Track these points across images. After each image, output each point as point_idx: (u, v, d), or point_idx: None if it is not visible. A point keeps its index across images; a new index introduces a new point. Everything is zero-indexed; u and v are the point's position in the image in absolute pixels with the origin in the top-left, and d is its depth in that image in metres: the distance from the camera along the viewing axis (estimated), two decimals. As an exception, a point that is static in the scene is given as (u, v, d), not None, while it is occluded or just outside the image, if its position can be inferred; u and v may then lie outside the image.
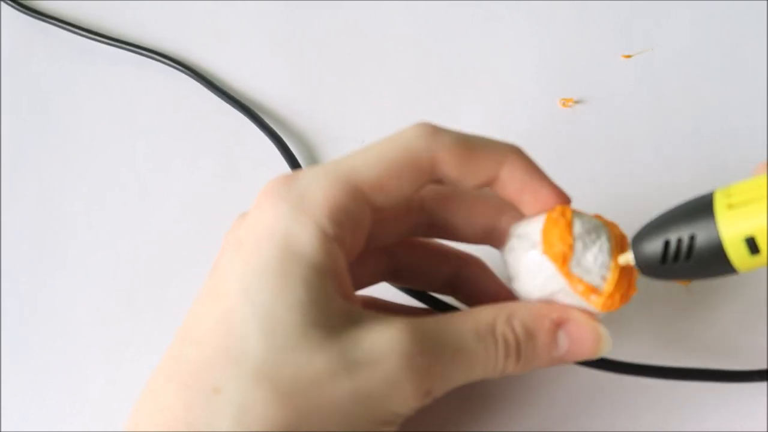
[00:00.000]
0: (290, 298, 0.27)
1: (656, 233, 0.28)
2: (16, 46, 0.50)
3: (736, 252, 0.27)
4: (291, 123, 0.46)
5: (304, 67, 0.48)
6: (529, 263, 0.30)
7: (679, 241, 0.28)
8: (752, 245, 0.26)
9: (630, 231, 0.39)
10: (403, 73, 0.47)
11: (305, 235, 0.27)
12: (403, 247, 0.34)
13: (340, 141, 0.45)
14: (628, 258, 0.29)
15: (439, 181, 0.30)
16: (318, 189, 0.28)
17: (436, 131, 0.29)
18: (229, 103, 0.46)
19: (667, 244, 0.28)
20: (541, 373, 0.35)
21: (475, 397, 0.34)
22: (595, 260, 0.29)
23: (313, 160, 0.44)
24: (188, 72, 0.48)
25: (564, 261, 0.29)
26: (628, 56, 0.46)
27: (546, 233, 0.29)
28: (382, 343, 0.27)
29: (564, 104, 0.45)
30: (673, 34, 0.47)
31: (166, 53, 0.48)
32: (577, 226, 0.29)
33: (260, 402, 0.26)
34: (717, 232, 0.27)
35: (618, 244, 0.30)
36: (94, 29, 0.50)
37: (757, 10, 0.47)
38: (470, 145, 0.30)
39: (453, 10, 0.49)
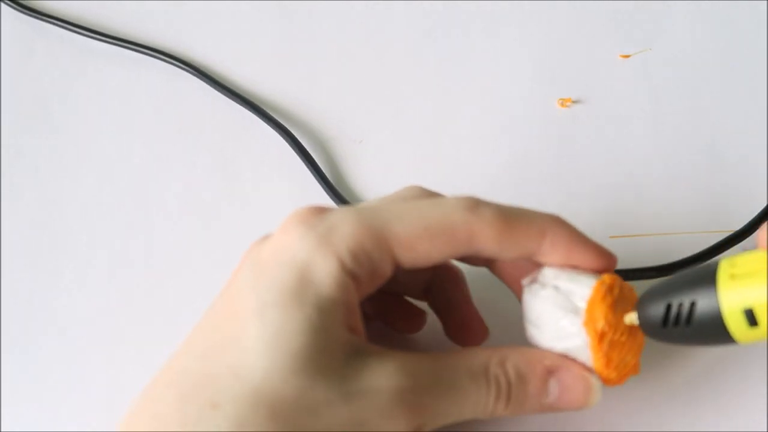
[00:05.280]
0: (301, 324, 0.27)
1: (660, 296, 0.29)
2: (15, 45, 0.50)
3: (735, 322, 0.27)
4: (296, 118, 0.46)
5: (303, 63, 0.48)
6: (564, 327, 0.30)
7: (680, 305, 0.28)
8: (751, 317, 0.27)
9: (629, 231, 0.40)
10: (403, 73, 0.47)
11: (325, 267, 0.28)
12: None
13: (337, 140, 0.45)
14: (632, 318, 0.30)
15: (477, 253, 0.30)
16: (347, 227, 0.29)
17: (477, 204, 0.30)
18: (234, 99, 0.46)
19: (668, 307, 0.28)
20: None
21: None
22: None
23: (324, 150, 0.44)
24: (190, 69, 0.47)
25: (601, 340, 0.29)
26: (626, 56, 0.46)
27: (592, 307, 0.29)
28: (380, 377, 0.28)
29: (562, 104, 0.45)
30: (671, 33, 0.47)
31: (167, 51, 0.48)
32: (620, 308, 0.30)
33: (257, 423, 0.26)
34: (717, 300, 0.27)
35: None
36: (94, 28, 0.50)
37: (756, 10, 0.47)
38: (511, 220, 0.30)
39: (453, 10, 0.49)
